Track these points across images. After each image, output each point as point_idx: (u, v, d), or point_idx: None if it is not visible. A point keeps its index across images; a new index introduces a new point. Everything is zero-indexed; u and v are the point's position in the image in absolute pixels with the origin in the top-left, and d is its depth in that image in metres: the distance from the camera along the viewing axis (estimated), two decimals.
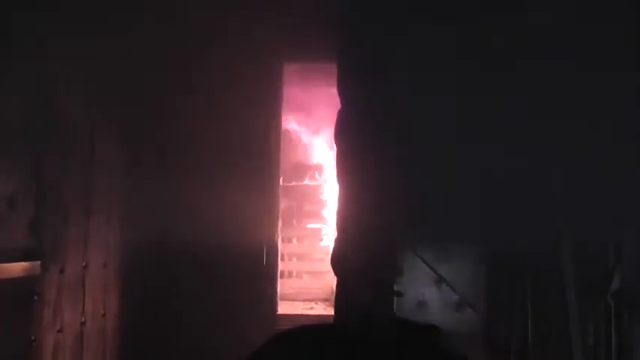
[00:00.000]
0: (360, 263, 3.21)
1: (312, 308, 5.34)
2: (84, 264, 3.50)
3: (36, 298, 2.97)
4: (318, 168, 6.21)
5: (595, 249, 3.21)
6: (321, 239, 6.10)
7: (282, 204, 5.02)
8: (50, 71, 3.08)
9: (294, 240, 6.16)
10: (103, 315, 3.76)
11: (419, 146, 3.41)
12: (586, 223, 3.20)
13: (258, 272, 4.48)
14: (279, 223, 4.83)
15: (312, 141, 6.02)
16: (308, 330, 0.82)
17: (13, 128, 2.76)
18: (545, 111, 3.22)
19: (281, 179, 4.93)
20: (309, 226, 6.17)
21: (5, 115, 2.71)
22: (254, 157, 4.47)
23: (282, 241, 5.08)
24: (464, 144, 3.30)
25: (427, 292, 3.48)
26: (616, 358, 3.07)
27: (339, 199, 3.82)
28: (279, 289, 4.77)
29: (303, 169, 6.24)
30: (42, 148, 3.03)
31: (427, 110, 3.36)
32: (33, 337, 2.93)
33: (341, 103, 3.88)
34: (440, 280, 3.46)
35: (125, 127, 4.08)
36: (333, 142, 3.88)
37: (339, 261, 3.40)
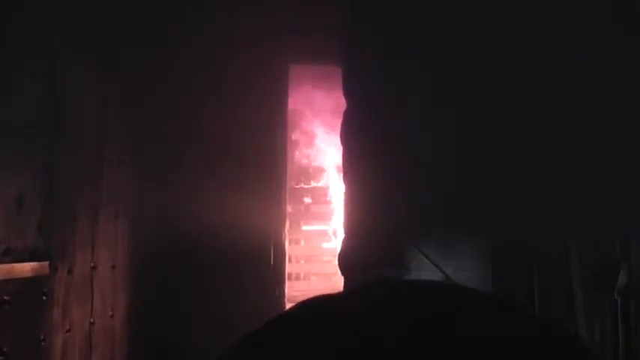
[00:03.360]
0: (366, 262, 3.22)
1: None
2: (92, 264, 3.52)
3: (45, 298, 2.99)
4: (325, 169, 6.21)
5: (601, 244, 3.20)
6: (328, 241, 6.11)
7: (290, 206, 5.03)
8: (59, 70, 3.11)
9: (302, 242, 6.16)
10: (112, 315, 3.78)
11: (423, 146, 3.41)
12: (592, 220, 3.19)
13: (266, 274, 4.49)
14: (287, 225, 4.84)
15: (319, 143, 6.02)
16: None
17: (21, 128, 2.78)
18: (545, 106, 3.22)
19: (288, 181, 4.94)
20: (315, 227, 6.17)
21: (13, 114, 2.73)
22: (261, 159, 4.48)
23: (290, 243, 5.09)
24: (467, 143, 3.30)
25: None
26: (623, 353, 3.05)
27: (346, 200, 3.84)
28: (287, 291, 4.78)
29: (310, 170, 6.24)
30: (50, 148, 3.05)
31: (430, 109, 3.37)
32: (42, 337, 2.95)
33: (347, 104, 3.90)
34: (446, 279, 3.45)
35: (134, 127, 4.10)
36: (340, 143, 3.91)
37: (346, 261, 3.42)
